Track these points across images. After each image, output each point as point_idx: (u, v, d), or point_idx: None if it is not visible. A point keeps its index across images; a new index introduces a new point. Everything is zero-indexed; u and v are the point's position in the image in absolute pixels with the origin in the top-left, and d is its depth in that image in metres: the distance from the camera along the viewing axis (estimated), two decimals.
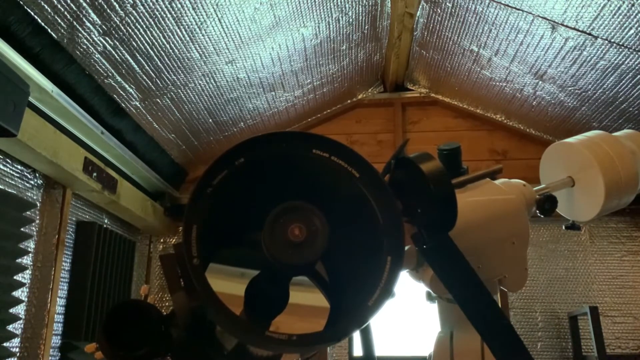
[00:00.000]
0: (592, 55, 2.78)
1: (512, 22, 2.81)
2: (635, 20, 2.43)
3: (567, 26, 2.66)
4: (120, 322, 0.68)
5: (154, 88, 2.77)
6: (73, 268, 2.83)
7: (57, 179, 2.63)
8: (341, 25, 3.11)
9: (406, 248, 0.68)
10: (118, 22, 2.28)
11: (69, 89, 2.39)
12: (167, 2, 2.31)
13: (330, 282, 0.67)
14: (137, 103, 2.80)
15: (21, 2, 1.96)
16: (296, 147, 0.63)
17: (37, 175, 2.56)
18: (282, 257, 0.57)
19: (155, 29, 2.42)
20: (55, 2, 2.04)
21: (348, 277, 0.66)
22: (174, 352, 0.68)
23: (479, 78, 3.48)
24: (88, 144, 2.76)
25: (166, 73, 2.72)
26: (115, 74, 2.53)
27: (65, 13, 2.10)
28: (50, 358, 2.58)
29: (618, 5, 2.39)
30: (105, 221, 3.22)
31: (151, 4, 2.28)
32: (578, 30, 2.65)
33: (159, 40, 2.49)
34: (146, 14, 2.31)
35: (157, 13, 2.33)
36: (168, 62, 2.65)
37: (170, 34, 2.49)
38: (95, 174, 2.75)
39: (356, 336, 0.79)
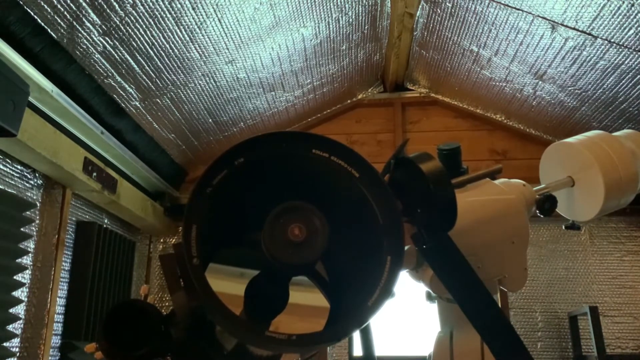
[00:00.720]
0: (592, 55, 2.78)
1: (512, 22, 2.81)
2: (635, 20, 2.43)
3: (567, 26, 2.66)
4: (120, 322, 0.68)
5: (154, 88, 2.77)
6: (73, 268, 2.83)
7: (57, 179, 2.63)
8: (341, 25, 3.11)
9: (406, 248, 0.68)
10: (118, 22, 2.28)
11: (68, 89, 2.39)
12: (167, 2, 2.31)
13: (330, 282, 0.67)
14: (137, 103, 2.80)
15: (21, 2, 1.96)
16: (296, 147, 0.62)
17: (37, 175, 2.56)
18: (282, 257, 0.57)
19: (155, 29, 2.42)
20: (55, 2, 2.04)
21: (348, 277, 0.66)
22: (174, 352, 0.68)
23: (479, 78, 3.48)
24: (88, 144, 2.76)
25: (166, 73, 2.72)
26: (115, 74, 2.53)
27: (65, 13, 2.10)
28: (50, 358, 2.58)
29: (618, 5, 2.39)
30: (105, 221, 3.22)
31: (151, 4, 2.28)
32: (578, 30, 2.65)
33: (159, 40, 2.49)
34: (146, 14, 2.31)
35: (157, 13, 2.33)
36: (168, 62, 2.65)
37: (170, 34, 2.49)
38: (95, 174, 2.75)
39: (356, 336, 0.79)
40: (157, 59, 2.60)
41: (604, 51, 2.71)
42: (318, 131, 3.70)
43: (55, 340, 2.67)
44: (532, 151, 3.76)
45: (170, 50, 2.59)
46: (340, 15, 3.01)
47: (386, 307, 0.58)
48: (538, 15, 2.68)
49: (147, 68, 2.62)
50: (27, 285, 2.47)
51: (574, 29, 2.65)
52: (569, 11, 2.55)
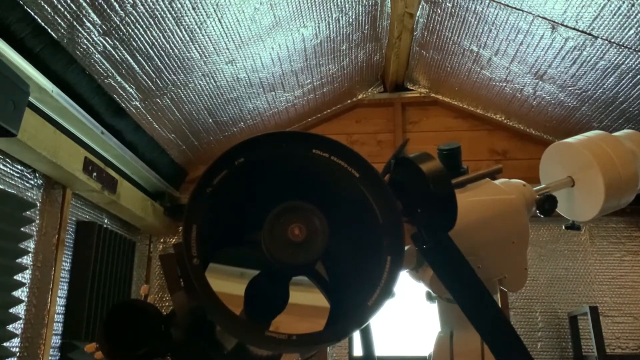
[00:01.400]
0: (592, 55, 2.78)
1: (512, 22, 2.81)
2: (635, 20, 2.43)
3: (567, 26, 2.66)
4: (120, 322, 0.68)
5: (154, 88, 2.77)
6: (73, 268, 2.83)
7: (57, 179, 2.63)
8: (341, 25, 3.11)
9: (406, 248, 0.68)
10: (118, 22, 2.28)
11: (69, 89, 2.39)
12: (167, 2, 2.31)
13: (330, 282, 0.67)
14: (137, 103, 2.80)
15: (21, 2, 1.96)
16: (296, 147, 0.62)
17: (37, 175, 2.56)
18: (282, 256, 0.57)
19: (155, 29, 2.42)
20: (55, 2, 2.04)
21: (348, 277, 0.66)
22: (174, 352, 0.68)
23: (479, 78, 3.48)
24: (88, 143, 2.76)
25: (166, 73, 2.72)
26: (115, 74, 2.53)
27: (65, 13, 2.10)
28: (50, 358, 2.58)
29: (618, 6, 2.39)
30: (105, 221, 3.22)
31: (151, 4, 2.28)
32: (578, 30, 2.65)
33: (159, 40, 2.49)
34: (146, 14, 2.31)
35: (157, 13, 2.33)
36: (168, 62, 2.65)
37: (170, 34, 2.49)
38: (95, 174, 2.75)
39: (356, 336, 0.79)
40: (157, 59, 2.60)
41: (604, 51, 2.71)
42: (318, 131, 3.69)
43: (55, 340, 2.67)
44: (532, 151, 3.76)
45: (171, 50, 2.59)
46: (340, 15, 3.01)
47: (386, 307, 0.58)
48: (538, 15, 2.68)
49: (147, 68, 2.62)
50: (27, 285, 2.47)
51: (574, 29, 2.65)
52: (569, 11, 2.55)
